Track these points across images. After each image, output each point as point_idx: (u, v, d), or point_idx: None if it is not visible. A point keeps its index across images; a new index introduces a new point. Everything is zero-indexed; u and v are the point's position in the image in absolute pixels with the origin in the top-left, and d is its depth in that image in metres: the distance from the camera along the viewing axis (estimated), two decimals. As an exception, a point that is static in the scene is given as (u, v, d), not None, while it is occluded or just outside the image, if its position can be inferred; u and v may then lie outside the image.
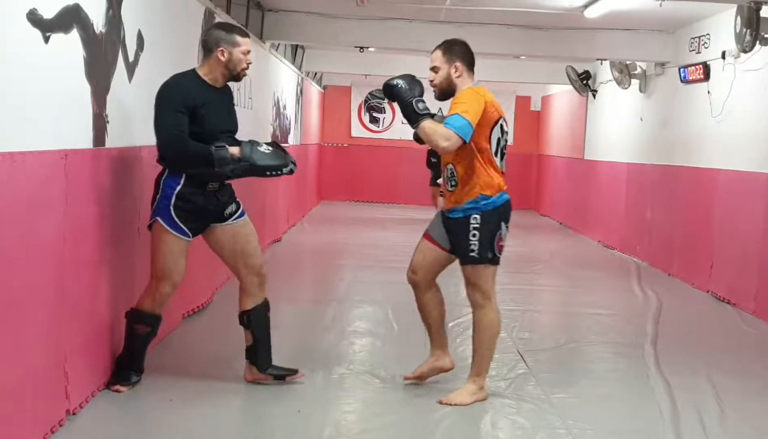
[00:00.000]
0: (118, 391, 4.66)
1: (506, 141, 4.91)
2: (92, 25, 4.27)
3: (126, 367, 4.76)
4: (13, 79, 3.46)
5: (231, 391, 4.88)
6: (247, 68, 4.77)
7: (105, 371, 4.68)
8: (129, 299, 4.98)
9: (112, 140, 4.62)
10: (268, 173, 4.66)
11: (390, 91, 4.80)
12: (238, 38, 4.68)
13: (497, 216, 4.81)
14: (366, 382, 5.20)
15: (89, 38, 4.23)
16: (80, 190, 4.20)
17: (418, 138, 4.92)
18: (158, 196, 4.62)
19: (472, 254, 4.80)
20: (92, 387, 4.51)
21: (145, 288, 4.77)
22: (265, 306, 4.96)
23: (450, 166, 4.84)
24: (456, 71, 4.86)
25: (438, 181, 5.18)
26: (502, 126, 4.82)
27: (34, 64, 3.65)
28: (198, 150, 4.51)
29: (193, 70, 4.74)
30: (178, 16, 6.07)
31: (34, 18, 3.61)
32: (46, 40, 3.74)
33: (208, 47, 4.70)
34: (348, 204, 18.34)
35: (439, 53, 4.91)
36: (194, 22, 6.58)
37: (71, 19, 4.01)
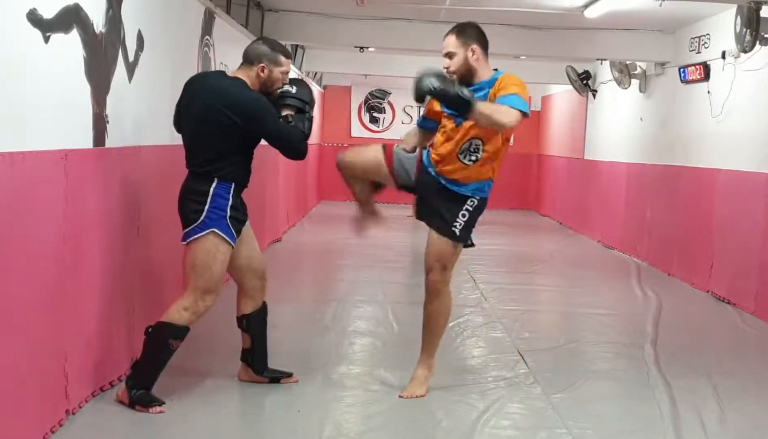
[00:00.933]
0: (162, 412, 4.44)
1: None
2: (92, 25, 4.27)
3: (144, 387, 4.48)
4: (13, 79, 3.47)
5: (231, 391, 4.88)
6: (281, 88, 4.71)
7: (105, 371, 4.68)
8: (128, 299, 4.98)
9: (112, 140, 4.62)
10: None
11: (429, 95, 4.47)
12: (282, 58, 4.66)
13: (484, 206, 4.86)
14: (366, 382, 5.20)
15: (89, 38, 4.23)
16: (80, 190, 4.20)
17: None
18: (207, 207, 4.47)
19: (454, 229, 4.79)
20: (92, 387, 4.51)
21: (181, 301, 4.56)
22: (264, 310, 4.95)
23: (477, 141, 4.72)
24: (473, 54, 4.69)
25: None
26: None
27: (34, 64, 3.65)
28: (301, 134, 4.65)
29: (242, 81, 4.62)
30: (178, 16, 6.07)
31: (34, 18, 3.61)
32: (46, 40, 3.74)
33: (249, 59, 4.65)
34: (348, 204, 18.27)
35: (452, 38, 4.74)
36: (194, 22, 6.58)
37: (71, 19, 4.01)
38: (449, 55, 4.75)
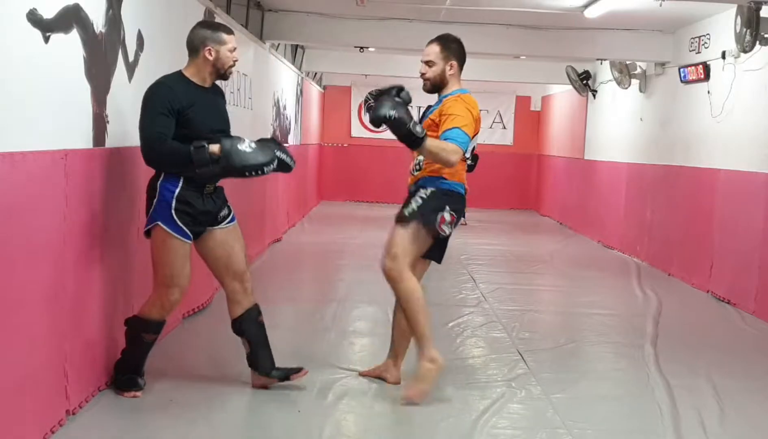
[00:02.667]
0: (135, 396, 4.60)
1: (475, 145, 5.00)
2: (92, 25, 4.27)
3: (130, 373, 4.68)
4: (13, 79, 3.47)
5: (231, 391, 4.88)
6: (234, 66, 4.69)
7: (105, 371, 4.68)
8: (128, 299, 4.98)
9: (112, 140, 4.62)
10: (247, 174, 4.50)
11: (384, 123, 4.64)
12: (224, 36, 4.60)
13: (446, 198, 4.86)
14: (366, 382, 5.20)
15: (89, 38, 4.23)
16: (80, 190, 4.20)
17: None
18: (155, 200, 4.51)
19: (404, 211, 4.86)
20: (92, 387, 4.51)
21: (151, 296, 4.66)
22: (254, 311, 4.89)
23: (420, 158, 4.89)
24: (451, 69, 4.93)
25: None
26: (476, 135, 4.93)
27: (34, 64, 3.65)
28: (177, 150, 4.41)
29: (179, 72, 4.64)
30: (178, 16, 6.06)
31: (34, 18, 3.61)
32: (46, 40, 3.75)
33: (193, 47, 4.60)
34: (348, 204, 18.34)
35: (436, 48, 4.93)
36: (194, 22, 6.55)
37: (71, 19, 4.01)
38: (429, 64, 4.95)
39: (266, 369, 4.91)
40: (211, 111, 4.64)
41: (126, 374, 4.68)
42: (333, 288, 8.69)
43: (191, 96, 4.53)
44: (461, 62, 4.99)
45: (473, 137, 4.86)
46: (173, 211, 4.51)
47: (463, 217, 5.05)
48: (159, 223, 4.51)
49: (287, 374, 4.94)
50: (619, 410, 5.06)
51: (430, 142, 4.67)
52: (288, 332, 6.22)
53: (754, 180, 8.23)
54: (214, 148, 4.46)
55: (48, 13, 3.75)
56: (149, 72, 5.16)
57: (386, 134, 22.50)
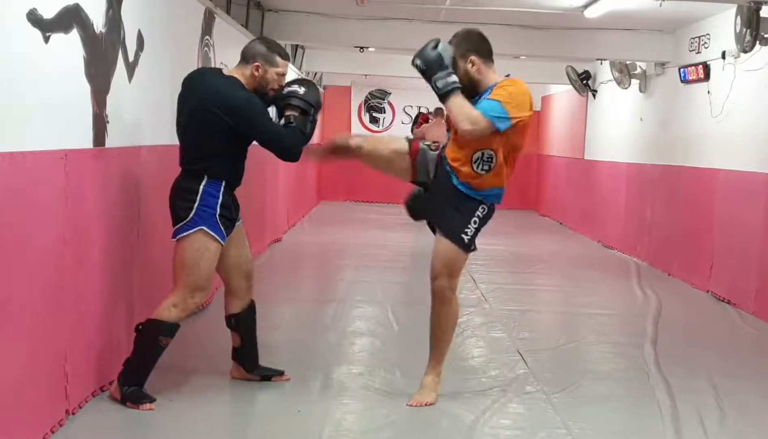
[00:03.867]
0: (151, 409, 4.45)
1: None
2: (92, 25, 4.27)
3: (136, 384, 4.51)
4: (13, 79, 3.47)
5: (231, 391, 4.88)
6: (277, 91, 4.67)
7: (105, 371, 4.67)
8: (128, 299, 4.98)
9: (112, 140, 4.61)
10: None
11: (414, 65, 4.58)
12: (278, 59, 4.62)
13: (493, 213, 4.80)
14: (366, 382, 5.20)
15: (89, 38, 4.23)
16: (80, 190, 4.20)
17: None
18: (196, 204, 4.48)
19: (464, 236, 4.70)
20: (92, 387, 4.51)
21: (170, 299, 4.57)
22: (251, 308, 4.96)
23: (489, 152, 4.60)
24: (473, 66, 4.61)
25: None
26: None
27: (34, 64, 3.65)
28: (295, 130, 4.58)
29: (237, 80, 4.61)
30: (178, 16, 6.07)
31: (34, 18, 3.61)
32: (46, 40, 3.74)
33: (245, 58, 4.62)
34: (348, 204, 18.34)
35: None
36: (194, 22, 6.58)
37: (71, 19, 4.01)
38: None
39: (250, 367, 4.99)
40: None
41: (132, 386, 4.50)
42: (333, 288, 8.69)
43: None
44: (483, 54, 4.63)
45: (523, 122, 4.53)
46: (217, 216, 4.51)
47: None
48: (204, 228, 4.49)
49: (270, 375, 5.01)
50: (619, 410, 5.05)
51: (454, 101, 4.47)
52: (288, 332, 6.22)
53: (754, 180, 8.23)
54: (292, 112, 4.64)
55: (48, 13, 3.75)
56: (149, 72, 5.17)
57: (386, 134, 22.48)
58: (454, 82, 4.50)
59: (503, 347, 6.29)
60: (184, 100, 4.65)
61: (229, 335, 5.02)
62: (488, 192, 4.71)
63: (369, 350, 6.13)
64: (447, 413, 4.69)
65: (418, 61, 4.56)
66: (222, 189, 4.53)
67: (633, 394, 5.34)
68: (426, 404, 4.74)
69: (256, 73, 4.59)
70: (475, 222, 4.71)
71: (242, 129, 4.52)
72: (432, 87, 4.56)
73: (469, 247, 4.74)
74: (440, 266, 4.72)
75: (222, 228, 4.55)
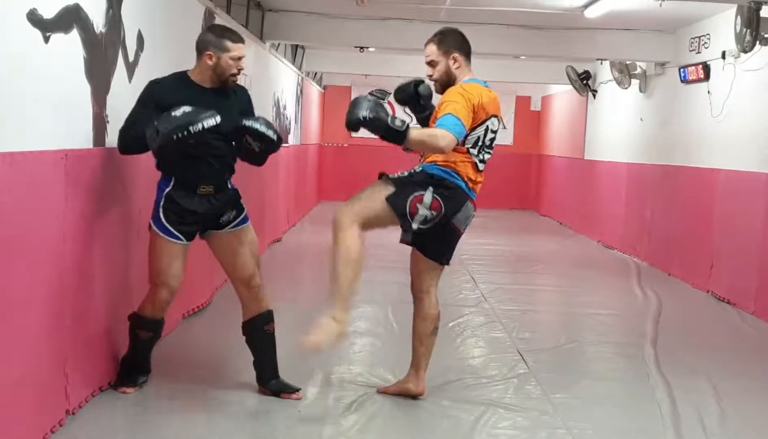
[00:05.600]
0: (125, 392, 4.66)
1: (491, 140, 4.67)
2: (92, 25, 4.27)
3: (131, 368, 4.75)
4: (13, 79, 3.47)
5: (231, 391, 4.87)
6: (238, 74, 4.59)
7: (105, 371, 4.68)
8: (128, 299, 4.98)
9: (112, 140, 4.61)
10: (174, 137, 4.24)
11: (361, 126, 4.36)
12: (229, 43, 4.50)
13: (437, 182, 4.55)
14: (366, 382, 5.20)
15: (89, 38, 4.23)
16: (80, 190, 4.20)
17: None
18: (155, 200, 4.58)
19: (388, 174, 4.63)
20: (92, 387, 4.51)
21: (147, 293, 4.71)
22: (261, 319, 4.82)
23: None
24: (455, 63, 4.68)
25: None
26: (488, 126, 4.61)
27: (34, 64, 3.65)
28: (136, 133, 4.35)
29: (184, 71, 4.63)
30: (178, 16, 6.07)
31: (34, 18, 3.61)
32: (46, 40, 3.74)
33: (197, 49, 4.58)
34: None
35: (433, 47, 4.72)
36: (194, 22, 6.58)
37: (71, 19, 4.01)
38: (431, 64, 4.74)
39: (264, 378, 4.85)
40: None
41: (126, 370, 4.74)
42: (333, 288, 8.67)
43: (183, 94, 4.44)
44: (464, 52, 4.69)
45: (477, 124, 4.52)
46: (160, 210, 4.54)
47: (469, 219, 4.76)
48: (151, 223, 4.58)
49: (280, 391, 4.81)
50: (619, 410, 5.06)
51: (416, 132, 4.38)
52: (288, 332, 6.20)
53: (754, 180, 8.23)
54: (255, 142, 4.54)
55: (48, 13, 3.75)
56: (149, 72, 5.16)
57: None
58: (403, 121, 4.39)
59: (503, 347, 6.29)
60: None
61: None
62: (426, 164, 4.61)
63: (369, 350, 6.13)
64: (447, 413, 4.70)
65: (366, 114, 4.32)
66: (171, 185, 4.52)
67: (633, 394, 5.35)
68: (314, 342, 4.47)
69: (210, 62, 4.50)
70: (408, 172, 4.62)
71: None
72: (386, 130, 4.34)
73: (386, 180, 4.58)
74: (347, 203, 4.72)
75: (165, 223, 4.51)
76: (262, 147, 4.57)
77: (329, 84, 18.59)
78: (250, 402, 4.81)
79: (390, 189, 4.59)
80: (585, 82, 14.32)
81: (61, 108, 3.98)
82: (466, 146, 4.58)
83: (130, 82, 4.91)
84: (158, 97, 4.46)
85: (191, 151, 4.44)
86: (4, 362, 3.47)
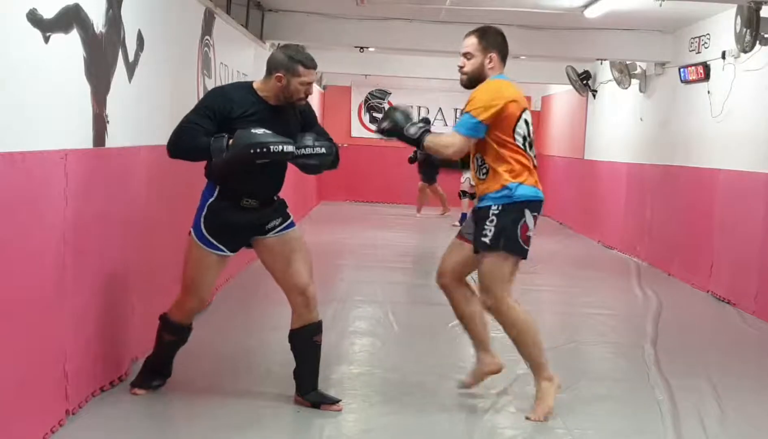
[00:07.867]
0: (135, 393, 4.64)
1: (532, 133, 4.69)
2: (92, 25, 4.27)
3: (151, 370, 4.71)
4: (13, 79, 3.47)
5: (231, 391, 4.87)
6: (305, 98, 4.55)
7: (105, 371, 4.68)
8: (128, 299, 4.98)
9: (112, 140, 4.61)
10: (252, 151, 4.22)
11: (384, 136, 4.78)
12: (301, 69, 4.41)
13: (519, 209, 4.58)
14: (366, 382, 5.20)
15: (89, 38, 4.23)
16: (80, 190, 4.20)
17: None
18: (198, 206, 4.49)
19: (484, 239, 4.58)
20: (92, 387, 4.51)
21: (177, 297, 4.64)
22: (311, 329, 4.68)
23: (478, 155, 4.63)
24: (490, 62, 4.62)
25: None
26: (525, 119, 4.60)
27: (34, 64, 3.65)
28: (198, 142, 4.30)
29: (250, 83, 4.56)
30: (178, 16, 6.07)
31: (34, 18, 3.61)
32: (46, 40, 3.74)
33: (268, 68, 4.48)
34: (348, 204, 18.34)
35: (474, 40, 4.65)
36: (194, 22, 6.58)
37: (71, 19, 4.01)
38: (467, 56, 4.67)
39: (304, 389, 4.71)
40: (269, 126, 4.37)
41: (145, 371, 4.72)
42: (333, 288, 8.68)
43: (249, 106, 4.41)
44: (503, 56, 4.65)
45: (518, 119, 4.52)
46: (201, 219, 4.46)
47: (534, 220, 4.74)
48: (191, 230, 4.50)
49: (320, 402, 4.69)
50: (619, 410, 5.05)
51: (429, 140, 4.59)
52: (288, 333, 6.21)
53: (754, 180, 8.23)
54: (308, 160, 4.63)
55: (48, 13, 3.74)
56: (149, 72, 5.17)
57: (386, 134, 22.04)
58: (420, 127, 4.64)
59: (503, 347, 6.26)
60: None
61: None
62: (493, 195, 4.60)
63: (369, 350, 6.13)
64: (447, 413, 4.70)
65: (383, 125, 4.74)
66: (215, 193, 4.45)
67: (633, 394, 5.34)
68: (545, 415, 4.60)
69: (279, 84, 4.42)
70: (491, 221, 4.58)
71: None
72: (402, 138, 4.68)
73: (492, 247, 4.59)
74: (481, 286, 4.71)
75: (207, 235, 4.44)
76: (317, 162, 4.73)
77: (329, 84, 18.59)
78: (249, 402, 4.80)
79: (497, 249, 4.62)
80: (585, 82, 14.32)
81: (61, 108, 3.98)
82: (523, 147, 4.61)
83: (130, 82, 4.91)
84: (222, 107, 4.38)
85: (251, 168, 4.36)
86: (4, 362, 3.47)
